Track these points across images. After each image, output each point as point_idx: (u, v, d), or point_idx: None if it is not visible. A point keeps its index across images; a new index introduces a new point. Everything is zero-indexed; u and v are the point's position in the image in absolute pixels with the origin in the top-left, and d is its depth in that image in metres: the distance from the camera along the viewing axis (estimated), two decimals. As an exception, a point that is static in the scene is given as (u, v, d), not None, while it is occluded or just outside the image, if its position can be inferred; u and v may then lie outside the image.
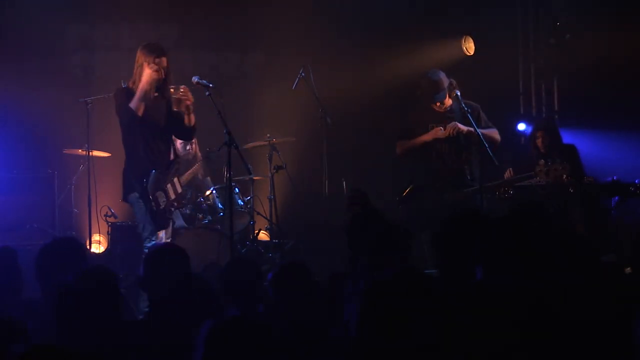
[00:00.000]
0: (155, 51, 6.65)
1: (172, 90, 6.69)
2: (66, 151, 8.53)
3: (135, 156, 6.73)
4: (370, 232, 4.48)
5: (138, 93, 6.54)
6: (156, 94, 6.70)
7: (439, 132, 7.21)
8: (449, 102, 7.27)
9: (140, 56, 6.66)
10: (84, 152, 7.97)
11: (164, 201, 6.66)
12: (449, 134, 7.17)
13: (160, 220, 6.70)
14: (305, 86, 8.03)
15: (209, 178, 8.69)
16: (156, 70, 6.58)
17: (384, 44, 9.69)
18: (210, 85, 6.52)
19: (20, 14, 9.07)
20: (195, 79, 6.59)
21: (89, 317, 3.31)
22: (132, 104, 6.54)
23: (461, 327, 2.85)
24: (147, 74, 6.55)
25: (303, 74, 8.03)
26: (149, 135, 6.70)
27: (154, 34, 9.78)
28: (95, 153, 8.17)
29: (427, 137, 7.29)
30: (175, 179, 6.84)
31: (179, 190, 6.86)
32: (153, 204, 6.60)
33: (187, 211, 8.27)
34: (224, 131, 6.43)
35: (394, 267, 4.31)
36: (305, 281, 3.80)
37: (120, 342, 3.39)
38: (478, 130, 6.99)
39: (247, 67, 10.10)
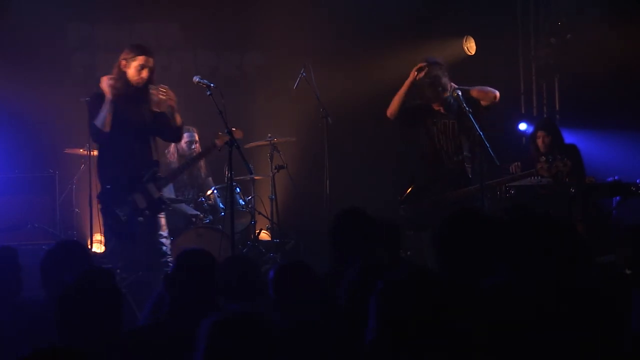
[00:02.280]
0: (140, 49, 6.49)
1: (152, 91, 6.50)
2: (67, 151, 8.53)
3: (103, 160, 6.58)
4: (356, 230, 4.48)
5: (103, 109, 6.33)
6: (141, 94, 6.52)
7: (414, 74, 7.10)
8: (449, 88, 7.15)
9: (123, 53, 6.49)
10: (85, 152, 7.98)
11: (124, 216, 6.44)
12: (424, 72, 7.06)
13: (118, 233, 6.50)
14: (306, 86, 8.03)
15: (210, 178, 8.69)
16: (137, 69, 6.41)
17: (385, 43, 9.69)
18: (212, 85, 6.49)
19: (21, 14, 9.08)
20: (196, 79, 6.55)
21: (90, 318, 3.30)
22: (97, 122, 6.35)
23: (475, 326, 2.85)
24: (107, 83, 6.34)
25: (304, 74, 8.03)
26: (120, 140, 6.48)
27: (154, 34, 9.80)
28: (96, 152, 8.15)
29: (407, 81, 7.16)
30: (151, 185, 6.57)
31: (155, 196, 6.57)
32: (109, 219, 6.48)
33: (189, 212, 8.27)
34: (225, 131, 6.41)
35: (384, 262, 4.32)
36: (307, 280, 3.80)
37: (127, 344, 3.39)
38: (479, 130, 6.96)
39: (248, 67, 10.10)
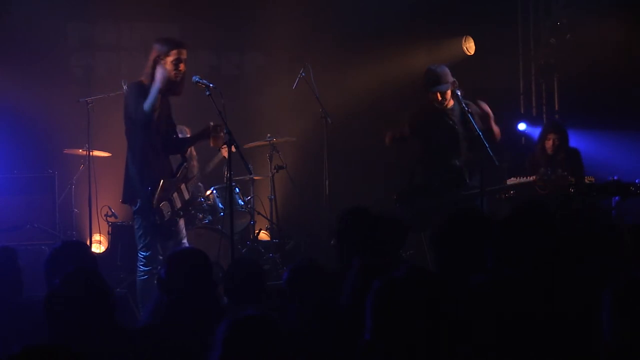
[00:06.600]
0: (172, 43, 6.30)
1: (211, 123, 6.41)
2: (66, 151, 8.53)
3: (142, 160, 6.29)
4: (361, 228, 4.48)
5: (153, 92, 6.10)
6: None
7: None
8: (451, 102, 7.24)
9: (154, 50, 6.26)
10: (85, 152, 7.98)
11: (168, 212, 6.28)
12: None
13: (162, 232, 6.31)
14: (305, 86, 8.03)
15: (200, 184, 8.65)
16: (173, 64, 6.19)
17: (384, 43, 9.69)
18: (211, 85, 6.47)
19: (21, 13, 9.07)
20: (195, 79, 6.50)
21: (79, 321, 3.29)
22: (146, 105, 6.10)
23: (472, 326, 2.85)
24: (162, 71, 6.11)
25: (303, 74, 8.03)
26: (157, 137, 6.34)
27: (154, 34, 9.77)
28: (96, 153, 8.17)
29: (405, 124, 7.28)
30: (183, 185, 6.49)
31: (186, 196, 6.51)
32: (156, 217, 6.22)
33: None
34: (225, 131, 6.40)
35: (388, 261, 4.32)
36: (321, 280, 3.82)
37: (121, 347, 3.38)
38: (479, 130, 6.96)
39: (247, 67, 10.10)
